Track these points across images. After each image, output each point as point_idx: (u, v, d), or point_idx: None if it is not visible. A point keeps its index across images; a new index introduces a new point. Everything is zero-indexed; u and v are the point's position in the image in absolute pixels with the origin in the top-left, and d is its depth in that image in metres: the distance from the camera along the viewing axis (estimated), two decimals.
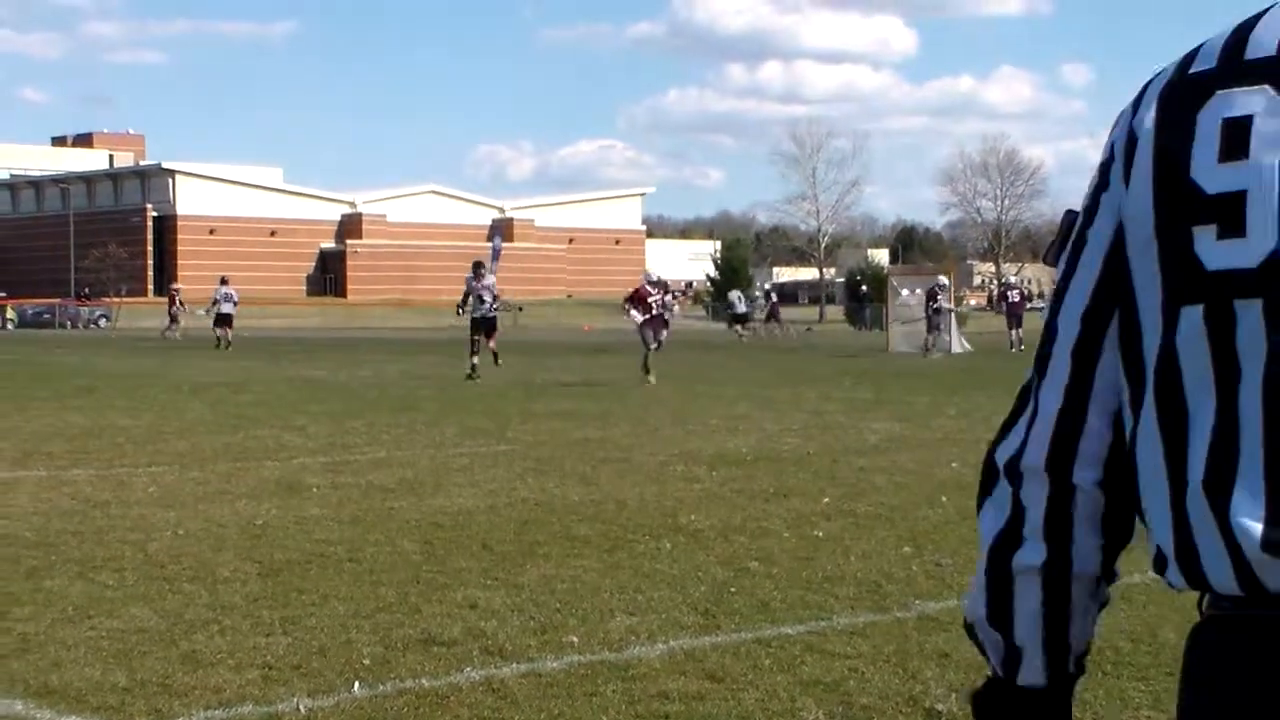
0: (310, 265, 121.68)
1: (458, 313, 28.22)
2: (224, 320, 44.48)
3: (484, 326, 27.21)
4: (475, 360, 26.37)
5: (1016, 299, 47.46)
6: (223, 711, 5.43)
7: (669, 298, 27.40)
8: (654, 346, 25.92)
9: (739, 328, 56.29)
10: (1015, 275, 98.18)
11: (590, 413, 19.07)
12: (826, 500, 10.95)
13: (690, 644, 6.43)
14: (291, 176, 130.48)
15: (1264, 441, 1.38)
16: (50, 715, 5.39)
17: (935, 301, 41.77)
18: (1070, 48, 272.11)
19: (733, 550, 8.82)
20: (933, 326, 41.15)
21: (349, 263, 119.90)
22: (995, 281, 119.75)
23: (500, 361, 27.39)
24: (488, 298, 27.26)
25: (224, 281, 46.25)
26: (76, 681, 5.79)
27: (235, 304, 45.58)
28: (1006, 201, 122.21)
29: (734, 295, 59.51)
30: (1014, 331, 44.92)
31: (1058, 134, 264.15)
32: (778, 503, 10.85)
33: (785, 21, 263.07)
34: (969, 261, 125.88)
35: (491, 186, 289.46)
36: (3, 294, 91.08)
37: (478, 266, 27.59)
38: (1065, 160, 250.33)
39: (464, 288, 27.70)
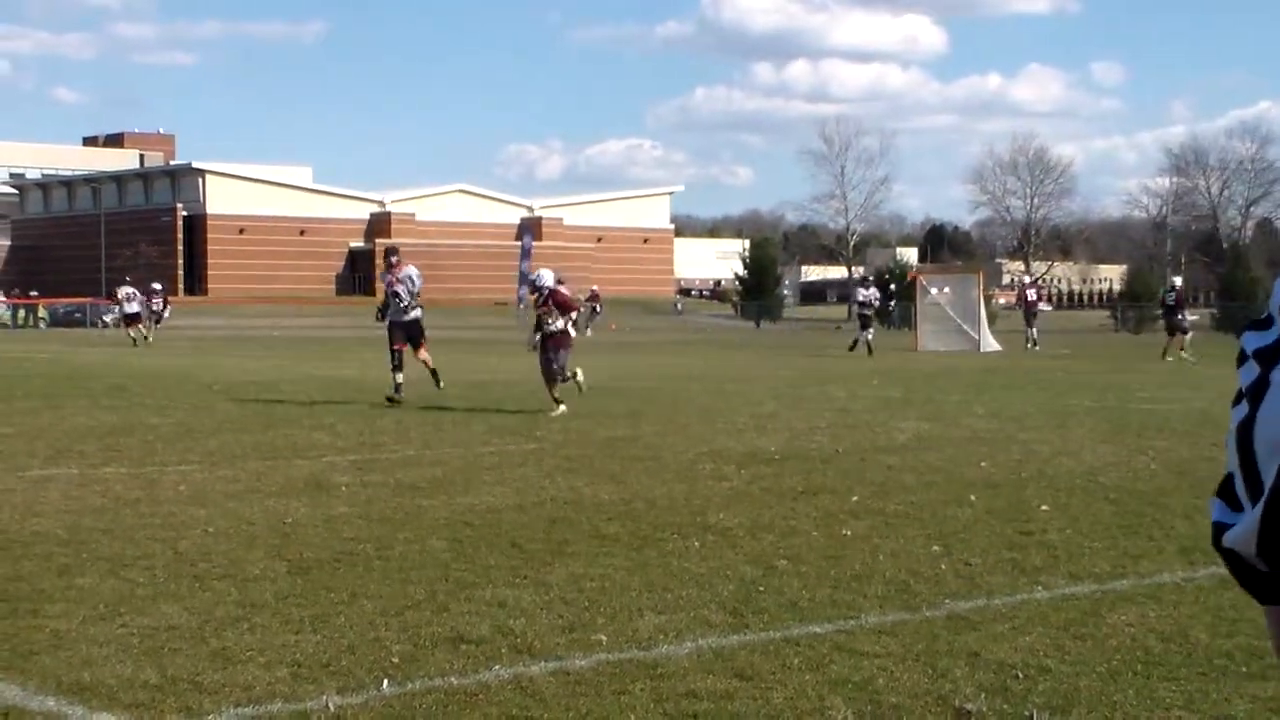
0: (340, 264, 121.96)
1: (378, 318, 21.42)
2: (131, 319, 46.02)
3: (403, 332, 20.57)
4: (399, 377, 20.21)
5: (1033, 298, 48.10)
6: (252, 709, 5.44)
7: (555, 311, 18.99)
8: (551, 371, 18.80)
9: (867, 335, 41.45)
10: (1029, 275, 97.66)
11: (619, 411, 19.06)
12: (855, 499, 10.93)
13: (719, 642, 6.42)
14: (321, 176, 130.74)
15: None
16: (82, 712, 5.42)
17: (1181, 310, 38.15)
18: (1100, 45, 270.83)
19: (761, 549, 8.81)
20: (1178, 330, 37.76)
21: (378, 262, 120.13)
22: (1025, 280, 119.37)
23: (442, 383, 20.99)
24: (404, 294, 20.60)
25: (126, 282, 48.18)
26: (108, 678, 5.82)
27: (141, 301, 47.00)
28: (1036, 200, 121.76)
29: (868, 293, 44.33)
30: (1030, 330, 45.88)
31: (1088, 132, 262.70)
32: (806, 501, 10.83)
33: (814, 20, 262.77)
34: (998, 260, 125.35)
35: (520, 186, 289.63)
36: (35, 293, 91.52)
37: (389, 254, 21.34)
38: (1095, 158, 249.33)
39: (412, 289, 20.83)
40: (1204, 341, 57.42)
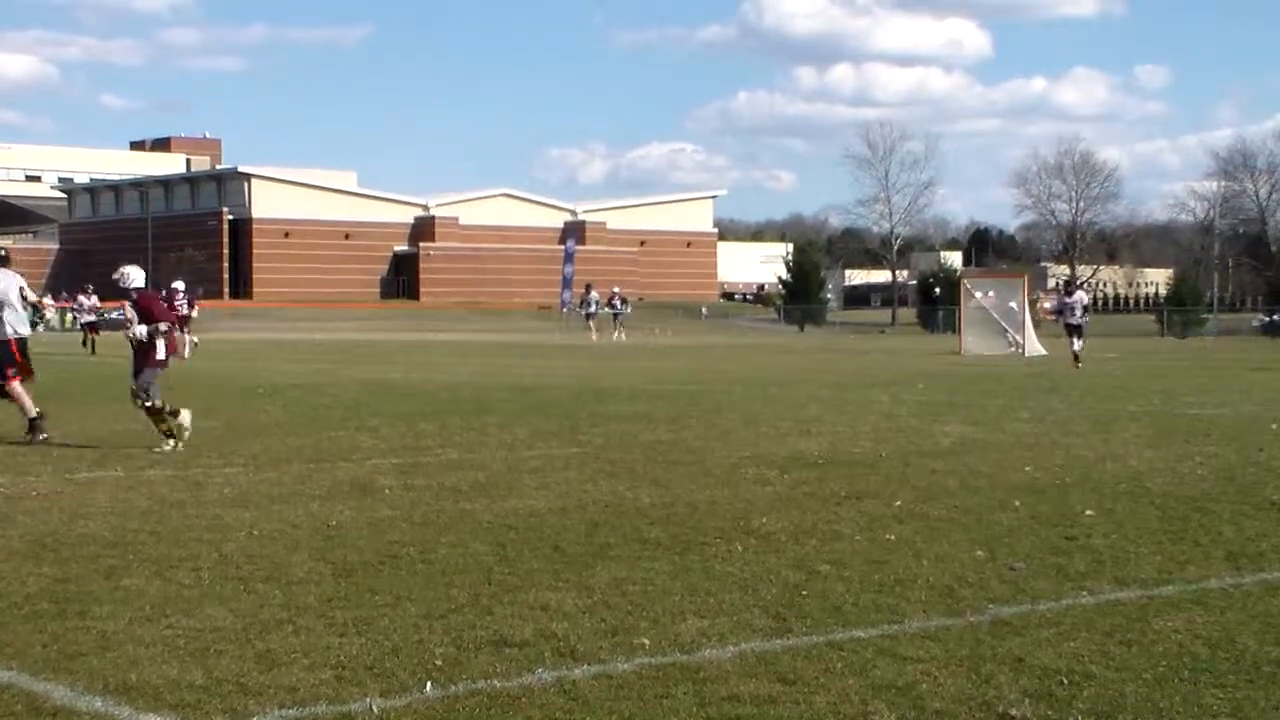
0: (384, 268, 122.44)
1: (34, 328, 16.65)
2: (89, 328, 47.66)
3: (6, 354, 15.74)
4: (32, 412, 15.53)
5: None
6: (297, 711, 5.47)
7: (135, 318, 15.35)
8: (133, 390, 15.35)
9: (1075, 344, 36.46)
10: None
11: (661, 415, 19.06)
12: (899, 503, 10.89)
13: (761, 647, 6.41)
14: (365, 180, 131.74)
15: None
16: (129, 712, 5.45)
17: None
18: (1145, 48, 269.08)
19: (804, 553, 8.79)
20: None
21: (422, 265, 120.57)
22: (1062, 285, 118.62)
23: (43, 437, 15.25)
24: (13, 304, 15.87)
25: (86, 291, 50.11)
26: (154, 679, 5.86)
27: (90, 310, 48.55)
28: (1081, 203, 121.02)
29: (1077, 298, 38.04)
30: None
31: (1133, 135, 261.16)
32: (850, 506, 10.80)
33: (856, 24, 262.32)
34: (1043, 264, 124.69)
35: (563, 189, 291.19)
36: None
37: None
38: (1139, 162, 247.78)
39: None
40: (1251, 345, 56.94)
